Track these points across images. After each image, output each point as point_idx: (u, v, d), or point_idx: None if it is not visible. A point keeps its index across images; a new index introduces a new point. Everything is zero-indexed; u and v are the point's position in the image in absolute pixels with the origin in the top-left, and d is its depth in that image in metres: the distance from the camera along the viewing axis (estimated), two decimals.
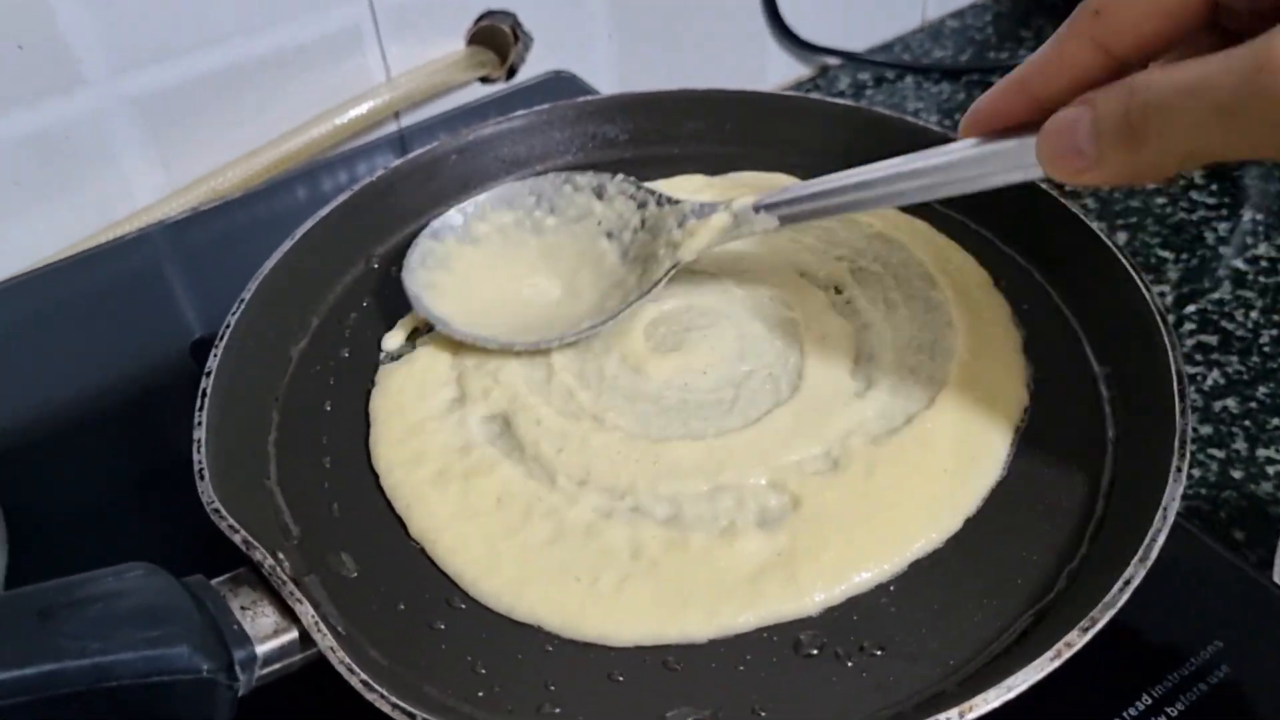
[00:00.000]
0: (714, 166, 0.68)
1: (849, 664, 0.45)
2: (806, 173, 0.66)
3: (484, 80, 0.94)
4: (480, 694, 0.44)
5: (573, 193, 0.61)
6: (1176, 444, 0.47)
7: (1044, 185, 0.60)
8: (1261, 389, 0.78)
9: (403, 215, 0.65)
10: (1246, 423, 0.76)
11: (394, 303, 0.61)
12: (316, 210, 0.63)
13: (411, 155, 0.66)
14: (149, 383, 0.68)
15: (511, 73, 0.94)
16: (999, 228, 0.62)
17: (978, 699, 0.40)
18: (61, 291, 0.77)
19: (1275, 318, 0.83)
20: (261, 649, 0.42)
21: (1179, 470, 0.46)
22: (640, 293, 0.56)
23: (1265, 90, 0.34)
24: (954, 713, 0.39)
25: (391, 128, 0.92)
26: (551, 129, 0.69)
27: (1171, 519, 0.45)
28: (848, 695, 0.44)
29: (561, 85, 0.90)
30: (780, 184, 0.66)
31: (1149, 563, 0.43)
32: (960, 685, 0.43)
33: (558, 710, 0.44)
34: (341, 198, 0.63)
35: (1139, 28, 0.41)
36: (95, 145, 0.80)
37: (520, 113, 0.69)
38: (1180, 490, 0.46)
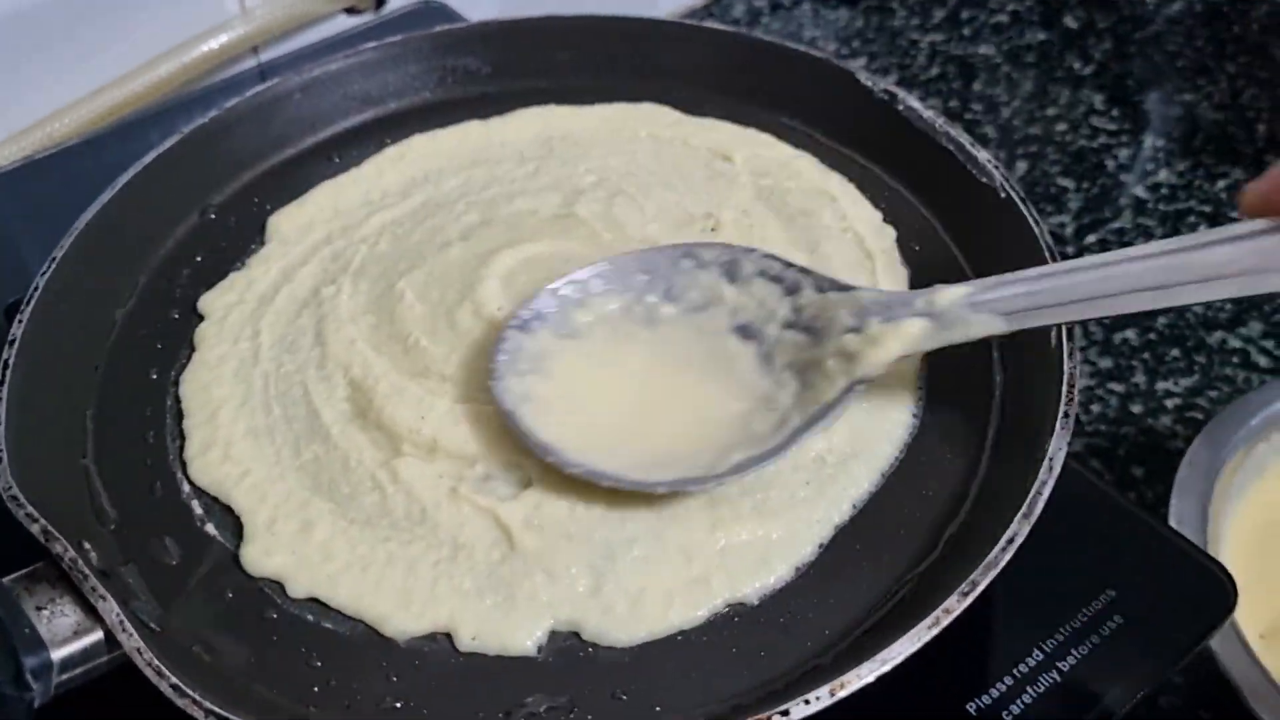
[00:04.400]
0: (582, 100, 0.63)
1: (716, 639, 0.42)
2: (684, 105, 0.62)
3: (350, 11, 0.87)
4: (316, 689, 0.40)
5: (695, 270, 0.49)
6: (1064, 389, 0.44)
7: (927, 113, 0.57)
8: (1161, 319, 0.76)
9: (241, 160, 0.60)
10: (1145, 355, 0.74)
11: (230, 257, 0.56)
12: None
13: (249, 94, 0.60)
14: None
15: (381, 3, 0.87)
16: (882, 159, 0.58)
17: (850, 674, 0.37)
18: None
19: None
20: (59, 654, 0.38)
21: (1066, 417, 0.43)
22: (805, 421, 0.44)
23: None
24: (825, 690, 0.36)
25: (250, 64, 0.85)
26: (405, 62, 0.63)
27: (1058, 470, 0.42)
28: (716, 673, 0.40)
29: (432, 15, 0.84)
30: (652, 115, 0.61)
31: (1032, 519, 0.40)
32: (836, 658, 0.40)
33: (399, 704, 0.40)
34: (170, 141, 0.57)
35: None
36: None
37: (370, 45, 0.63)
38: (1066, 440, 0.43)
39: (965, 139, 0.55)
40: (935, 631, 0.38)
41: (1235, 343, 0.74)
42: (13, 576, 0.39)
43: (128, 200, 0.55)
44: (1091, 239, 0.83)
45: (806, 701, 0.36)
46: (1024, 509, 0.40)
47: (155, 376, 0.51)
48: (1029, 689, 0.47)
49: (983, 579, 0.39)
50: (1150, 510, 0.60)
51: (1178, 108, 0.94)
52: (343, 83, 0.62)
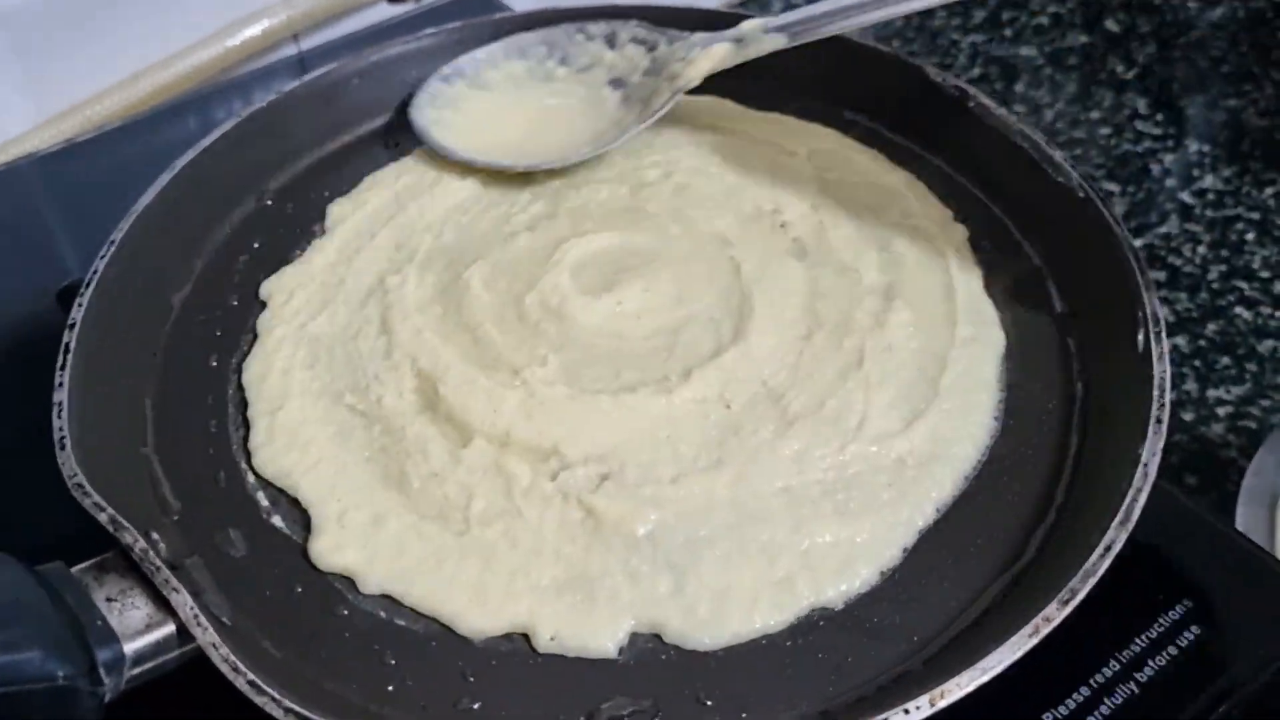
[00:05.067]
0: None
1: (801, 643, 0.40)
2: (746, 99, 0.62)
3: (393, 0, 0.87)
4: (390, 688, 0.39)
5: (585, 41, 0.61)
6: (1155, 392, 0.43)
7: (999, 110, 0.56)
8: (1210, 326, 0.75)
9: (299, 146, 0.58)
10: (1196, 362, 0.73)
11: (289, 243, 0.55)
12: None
13: (308, 78, 0.59)
14: (17, 336, 0.62)
15: None
16: (951, 155, 0.57)
17: (950, 684, 0.35)
18: None
19: (1223, 253, 0.80)
20: (131, 647, 0.37)
21: (1159, 422, 0.42)
22: (635, 120, 0.57)
23: None
24: (925, 699, 0.35)
25: (290, 51, 0.84)
26: (463, 48, 0.62)
27: (1153, 476, 0.41)
28: (802, 678, 0.39)
29: (474, 4, 0.83)
30: (711, 106, 0.61)
31: (1130, 525, 0.39)
32: (926, 664, 0.39)
33: (477, 705, 0.39)
34: (228, 125, 0.56)
35: None
36: None
37: (429, 31, 0.62)
38: (1161, 444, 0.42)
39: (1040, 136, 0.54)
40: (1035, 641, 0.37)
41: None
42: (82, 566, 0.38)
43: (185, 183, 0.54)
44: (1137, 243, 0.81)
45: (906, 711, 0.35)
46: (1120, 515, 0.39)
47: (215, 363, 0.50)
48: (1106, 700, 0.45)
49: (1082, 586, 0.38)
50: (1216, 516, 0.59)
51: (1222, 113, 0.93)
52: (402, 69, 0.61)
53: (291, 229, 0.55)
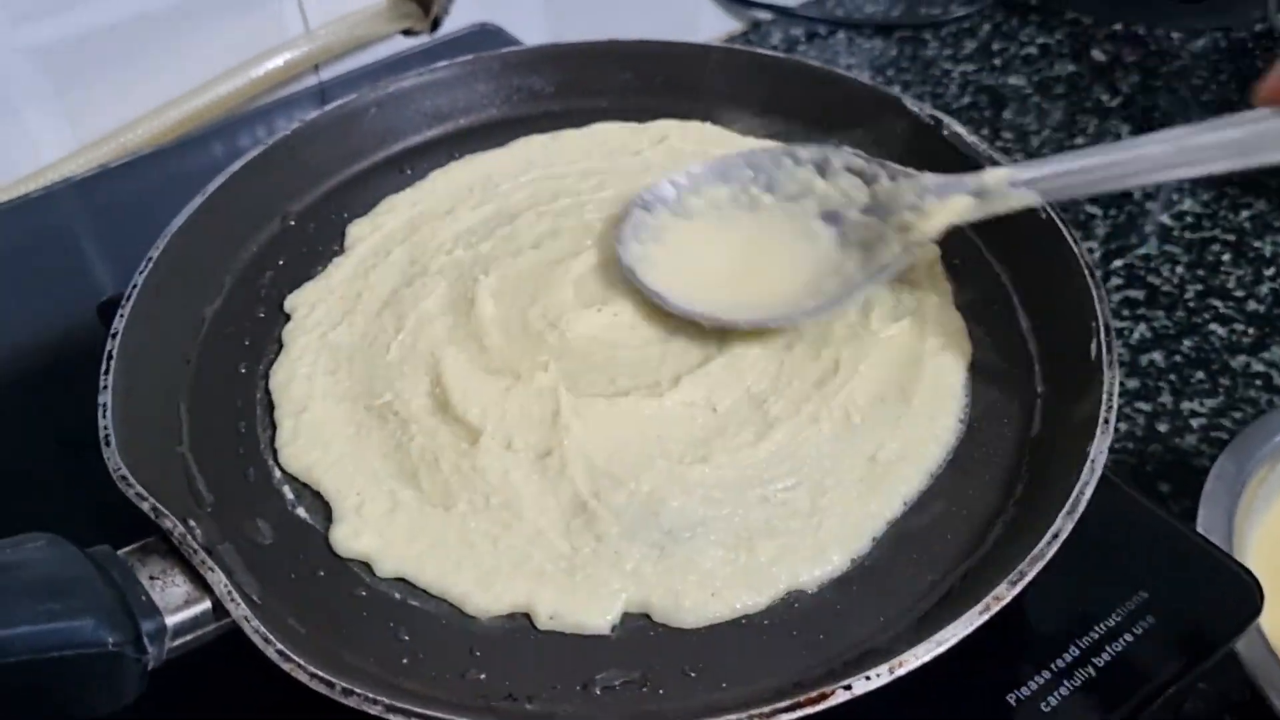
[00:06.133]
0: (641, 119, 0.66)
1: (777, 622, 0.44)
2: (733, 125, 0.65)
3: (407, 33, 0.91)
4: (404, 661, 0.43)
5: (793, 167, 0.57)
6: (1104, 395, 0.47)
7: (971, 140, 0.60)
8: (1186, 343, 0.78)
9: (319, 171, 0.63)
10: (1172, 376, 0.76)
11: (310, 261, 0.59)
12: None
13: (328, 108, 0.63)
14: (58, 347, 0.66)
15: (436, 25, 0.91)
16: None
17: (908, 654, 0.39)
18: None
19: (1199, 273, 0.83)
20: (172, 620, 0.40)
21: (1106, 422, 0.46)
22: (865, 278, 0.53)
23: None
24: (884, 668, 0.39)
25: (311, 81, 0.89)
26: (475, 81, 0.67)
27: (1099, 471, 0.45)
28: (778, 653, 0.43)
29: (487, 38, 0.88)
30: (700, 132, 0.65)
31: (1076, 515, 0.43)
32: (891, 640, 0.43)
33: (483, 676, 0.43)
34: (254, 152, 0.61)
35: None
36: None
37: (442, 64, 0.66)
38: (1108, 442, 0.46)
39: (1006, 160, 0.58)
40: (986, 617, 0.40)
41: (1258, 366, 0.77)
42: (126, 549, 0.42)
43: (216, 206, 0.58)
44: (1118, 263, 0.85)
45: (868, 678, 0.39)
46: (1068, 506, 0.43)
47: (244, 370, 0.54)
48: (1065, 683, 0.48)
49: (1030, 569, 0.41)
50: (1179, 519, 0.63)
51: None
52: (415, 99, 0.66)
53: (313, 247, 0.59)
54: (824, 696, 0.38)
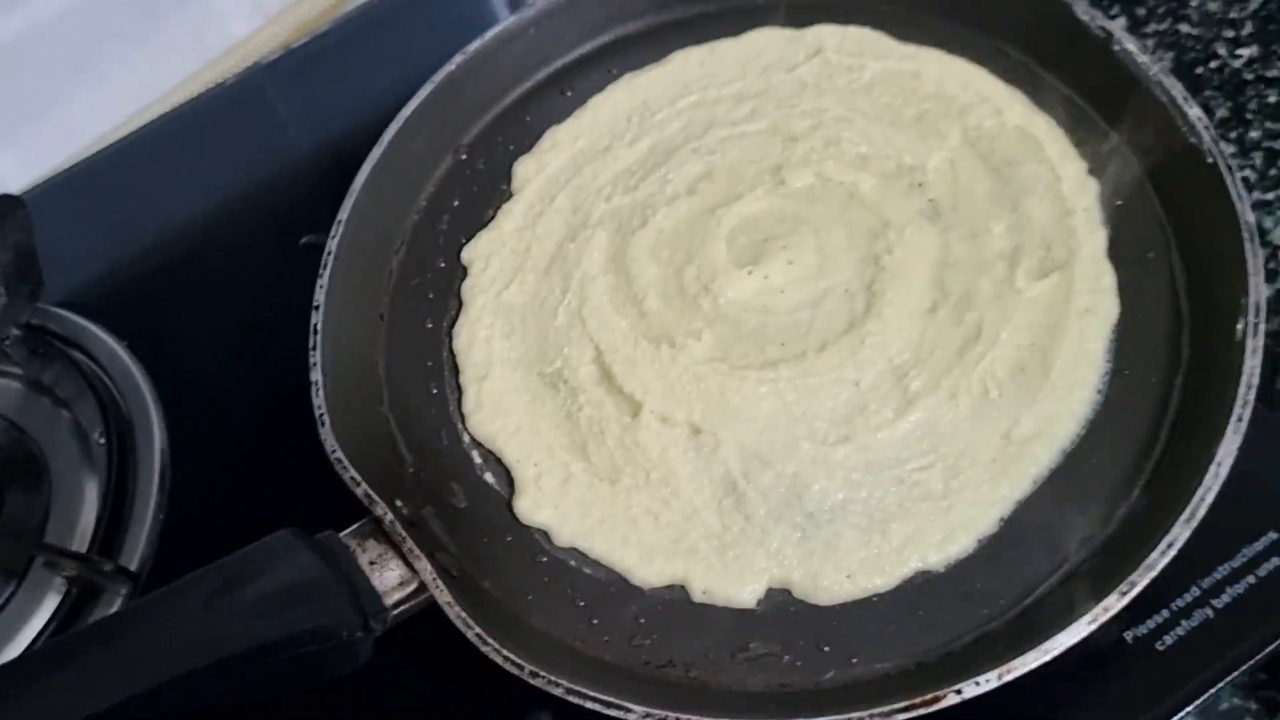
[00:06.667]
0: (796, 19, 0.65)
1: (904, 601, 0.49)
2: (895, 28, 0.64)
3: None
4: (580, 625, 0.51)
5: None
6: (1241, 389, 0.47)
7: (1143, 58, 0.56)
8: None
9: (484, 101, 0.66)
10: None
11: (482, 202, 0.63)
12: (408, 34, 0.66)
13: (487, 36, 0.65)
14: (255, 237, 0.72)
15: None
16: (1095, 99, 0.59)
17: (1016, 661, 0.44)
18: (173, 137, 0.79)
19: None
20: (390, 600, 0.49)
21: (1239, 421, 0.47)
22: None
23: None
24: (993, 674, 0.44)
25: None
26: None
27: (1224, 476, 0.46)
28: (903, 632, 0.49)
29: None
30: (860, 40, 0.64)
31: (1194, 523, 0.45)
32: (1006, 626, 0.48)
33: (648, 642, 0.50)
34: (424, 92, 0.63)
35: None
36: None
37: None
38: (1238, 444, 0.46)
39: (1179, 90, 0.55)
40: (1093, 627, 0.44)
41: None
42: (346, 533, 0.50)
43: (393, 154, 0.62)
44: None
45: (977, 683, 0.44)
46: (1186, 514, 0.45)
47: (430, 326, 0.60)
48: (1183, 623, 0.51)
49: (1141, 580, 0.45)
50: None
51: None
52: (569, 14, 0.66)
53: (484, 186, 0.63)
54: (937, 700, 0.44)
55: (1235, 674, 0.51)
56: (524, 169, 0.63)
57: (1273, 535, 0.53)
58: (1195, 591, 0.52)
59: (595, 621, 0.51)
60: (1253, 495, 0.53)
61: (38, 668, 0.43)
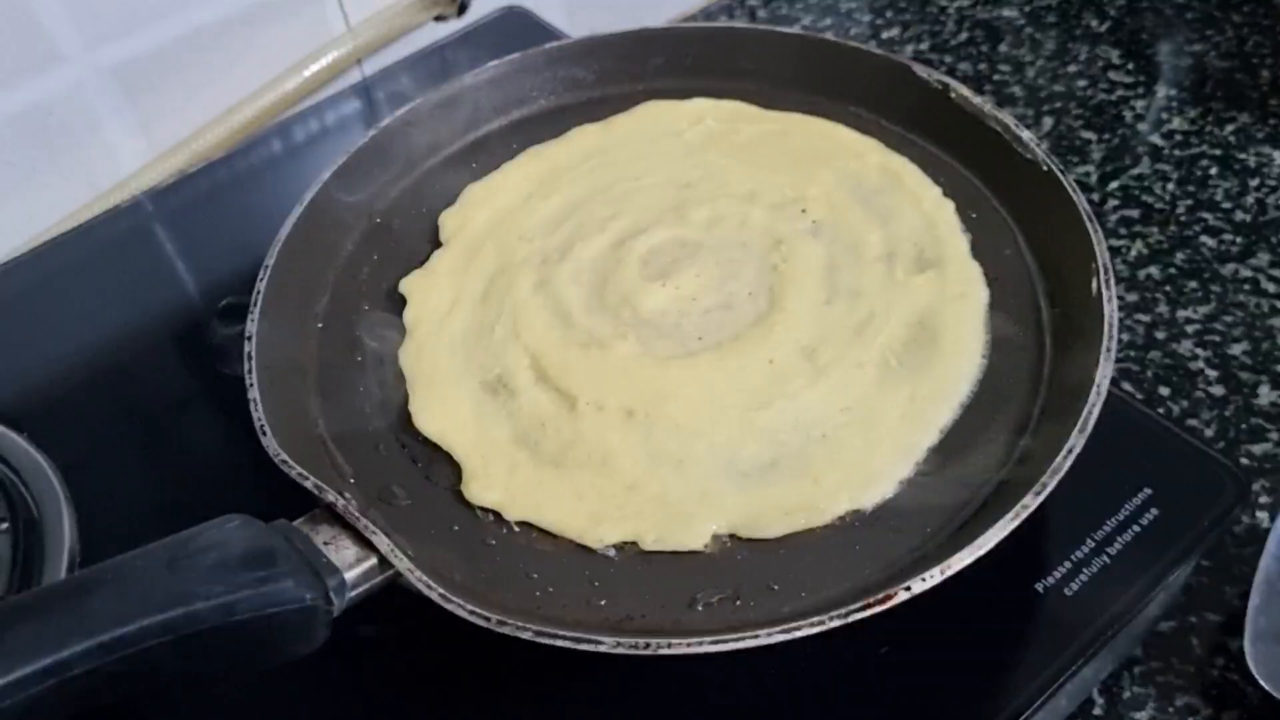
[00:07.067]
0: (676, 99, 0.73)
1: (841, 539, 0.53)
2: (760, 99, 0.73)
3: (439, 19, 0.97)
4: (537, 593, 0.52)
5: None
6: (1105, 328, 0.55)
7: (976, 99, 0.67)
8: (1179, 255, 0.86)
9: (397, 171, 0.71)
10: (1167, 288, 0.84)
11: (402, 253, 0.68)
12: (296, 163, 0.71)
13: (397, 114, 0.71)
14: (152, 344, 0.74)
15: (463, 9, 0.97)
16: (939, 140, 0.69)
17: (954, 558, 0.48)
18: (65, 262, 0.81)
19: (1190, 188, 0.91)
20: (349, 575, 0.49)
21: (1108, 351, 0.54)
22: None
23: None
24: (936, 570, 0.47)
25: (355, 76, 0.96)
26: (524, 75, 0.74)
27: (1104, 394, 0.53)
28: (844, 566, 0.52)
29: (514, 20, 0.95)
30: (734, 110, 0.72)
31: (1087, 433, 0.51)
32: (938, 548, 0.52)
33: (603, 602, 0.52)
34: (339, 162, 0.68)
35: None
36: (78, 118, 0.83)
37: (493, 63, 0.73)
38: (1110, 368, 0.54)
39: (1010, 120, 0.65)
40: (1016, 523, 0.49)
41: (1246, 272, 0.84)
42: (299, 520, 0.51)
43: (313, 214, 0.66)
44: (1113, 185, 0.93)
45: (924, 579, 0.47)
46: (1079, 425, 0.51)
47: (360, 359, 0.62)
48: (1084, 570, 0.57)
49: (1051, 481, 0.50)
50: (1177, 423, 0.71)
51: (1188, 58, 1.03)
52: (472, 97, 0.73)
53: (402, 241, 0.68)
54: (889, 597, 0.47)
55: (1141, 604, 0.56)
56: (451, 220, 0.68)
57: (1148, 491, 0.60)
58: (1090, 544, 0.58)
59: (551, 590, 0.52)
60: (1125, 459, 0.61)
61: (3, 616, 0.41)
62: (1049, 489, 0.50)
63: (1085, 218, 0.59)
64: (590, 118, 0.73)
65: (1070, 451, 0.51)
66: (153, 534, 0.51)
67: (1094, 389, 0.52)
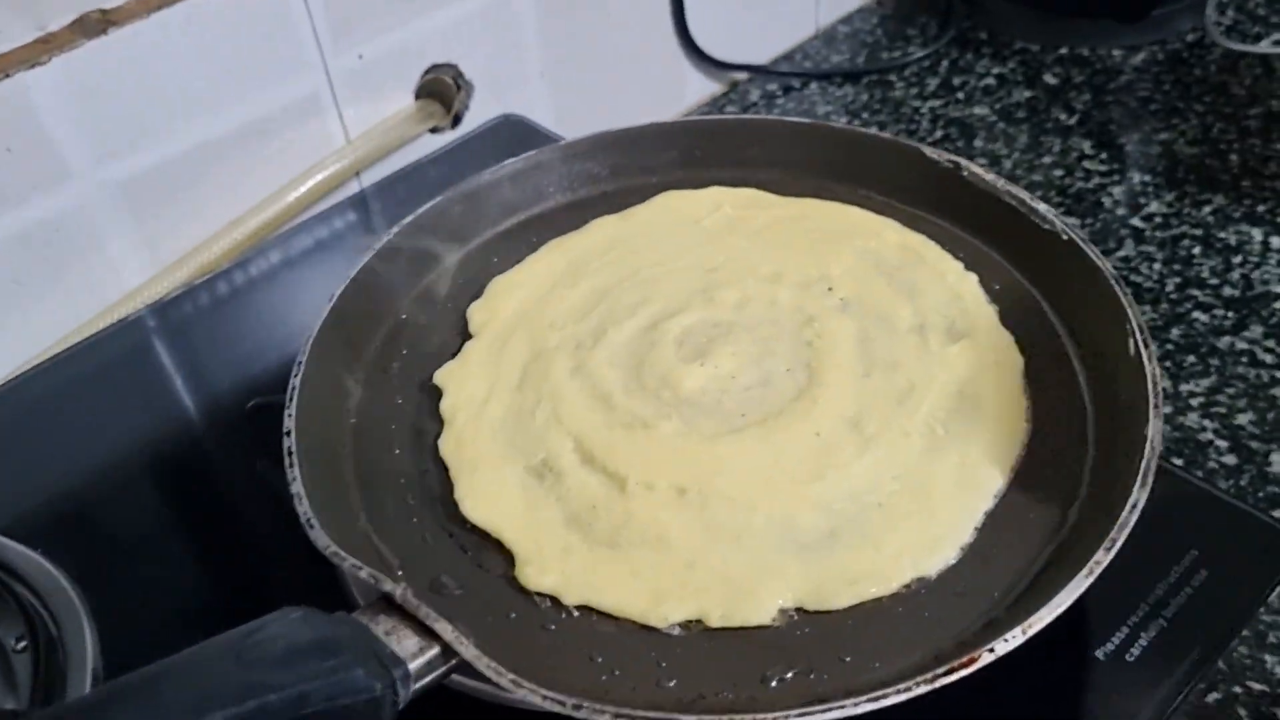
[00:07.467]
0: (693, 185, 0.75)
1: (907, 608, 0.52)
2: (773, 186, 0.74)
3: (434, 130, 0.99)
4: (603, 678, 0.50)
5: None
6: (1150, 384, 0.55)
7: (989, 177, 0.69)
8: (1174, 331, 0.88)
9: (423, 266, 0.71)
10: (1167, 364, 0.85)
11: (432, 346, 0.68)
12: (296, 274, 0.73)
13: (421, 211, 0.71)
14: (161, 455, 0.73)
15: (457, 120, 0.99)
16: (954, 218, 0.70)
17: (1034, 617, 0.47)
18: (70, 377, 0.80)
19: (1176, 267, 0.93)
20: (412, 666, 0.47)
21: (1156, 407, 0.55)
22: None
23: None
24: (1018, 630, 0.47)
25: (353, 187, 0.97)
26: (540, 172, 0.75)
27: (1159, 448, 0.53)
28: (914, 634, 0.51)
29: (512, 127, 0.96)
30: (750, 197, 0.74)
31: (1148, 487, 0.51)
32: (1008, 610, 0.51)
33: (672, 683, 0.50)
34: (366, 258, 0.68)
35: None
36: (84, 234, 0.83)
37: (510, 160, 0.75)
38: (1160, 424, 0.54)
39: (1025, 194, 0.67)
40: (1090, 580, 0.48)
41: (1242, 345, 0.86)
42: (358, 612, 0.49)
43: (343, 310, 0.65)
44: None
45: (1006, 640, 0.47)
46: (1139, 479, 0.51)
47: (398, 452, 0.61)
48: (1142, 635, 0.57)
49: (1119, 535, 0.50)
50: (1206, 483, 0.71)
51: (1157, 146, 1.07)
52: (491, 194, 0.74)
53: (430, 335, 0.67)
54: (973, 660, 0.46)
55: (1207, 667, 0.56)
56: (479, 312, 0.68)
57: (1195, 552, 0.60)
58: (1144, 609, 0.58)
59: (618, 673, 0.51)
60: (1165, 526, 0.60)
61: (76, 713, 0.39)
62: (1118, 544, 0.50)
63: (1113, 281, 0.61)
64: (607, 210, 0.74)
65: (1135, 506, 0.51)
66: (178, 644, 0.50)
67: (1148, 444, 0.53)
